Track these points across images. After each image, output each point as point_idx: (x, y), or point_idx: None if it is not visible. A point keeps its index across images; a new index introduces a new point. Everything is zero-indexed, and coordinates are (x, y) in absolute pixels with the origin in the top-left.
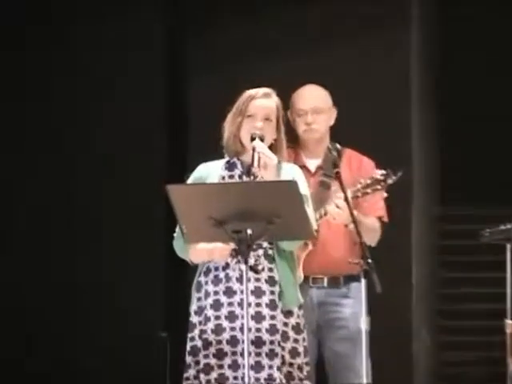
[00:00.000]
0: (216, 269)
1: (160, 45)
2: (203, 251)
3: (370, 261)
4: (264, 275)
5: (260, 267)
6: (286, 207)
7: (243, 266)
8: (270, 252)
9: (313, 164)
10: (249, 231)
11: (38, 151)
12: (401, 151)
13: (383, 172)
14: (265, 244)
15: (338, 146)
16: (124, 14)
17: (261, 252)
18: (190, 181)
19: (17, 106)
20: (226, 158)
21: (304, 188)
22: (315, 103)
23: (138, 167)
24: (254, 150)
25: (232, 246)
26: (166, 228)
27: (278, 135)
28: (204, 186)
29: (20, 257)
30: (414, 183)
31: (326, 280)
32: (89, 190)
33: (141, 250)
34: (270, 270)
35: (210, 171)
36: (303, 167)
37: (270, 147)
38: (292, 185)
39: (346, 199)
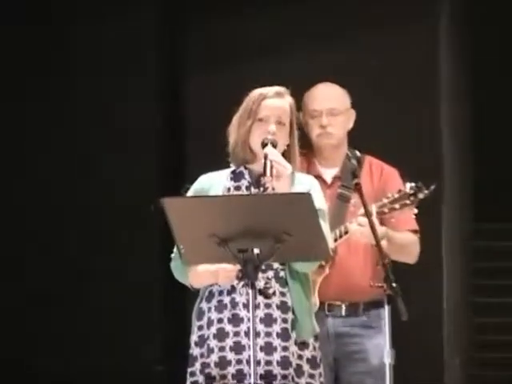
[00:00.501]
0: (220, 293)
1: (155, 46)
2: (205, 273)
3: (394, 285)
4: (275, 300)
5: (271, 291)
6: (299, 223)
7: (251, 290)
8: (282, 274)
9: (329, 174)
10: (256, 250)
11: (28, 151)
12: (429, 162)
13: (413, 185)
14: (276, 265)
15: (358, 153)
16: (121, 14)
17: (271, 274)
18: (190, 193)
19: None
20: (232, 168)
21: (321, 202)
22: (331, 103)
23: (127, 178)
24: (265, 157)
25: (239, 266)
26: (162, 247)
27: (291, 141)
28: (204, 198)
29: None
30: (444, 197)
31: (343, 307)
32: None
33: (135, 271)
34: (282, 294)
35: (212, 182)
36: (318, 177)
37: (282, 155)
38: (306, 198)
39: (367, 214)
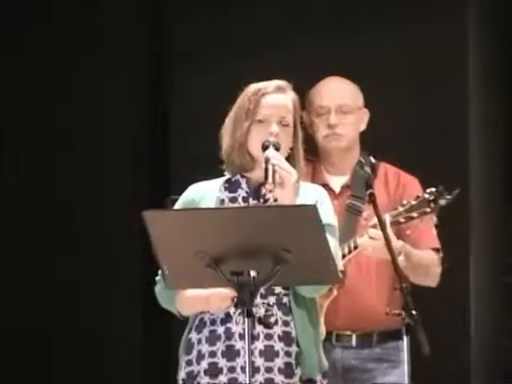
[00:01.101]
0: (213, 322)
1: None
2: (196, 299)
3: (414, 312)
4: (277, 330)
5: (272, 320)
6: (303, 241)
7: (246, 319)
8: (285, 300)
9: (337, 182)
10: (253, 273)
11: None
12: (455, 168)
13: (433, 190)
14: (278, 289)
15: (372, 159)
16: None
17: (273, 300)
18: (178, 206)
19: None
20: (226, 176)
21: (330, 216)
22: (341, 100)
23: (101, 188)
24: (267, 161)
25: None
26: (143, 268)
27: (295, 143)
28: (192, 211)
29: None
30: (471, 206)
31: (354, 337)
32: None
33: (113, 296)
34: (285, 323)
35: (204, 193)
36: (324, 186)
37: (287, 159)
38: (311, 211)
39: (381, 226)
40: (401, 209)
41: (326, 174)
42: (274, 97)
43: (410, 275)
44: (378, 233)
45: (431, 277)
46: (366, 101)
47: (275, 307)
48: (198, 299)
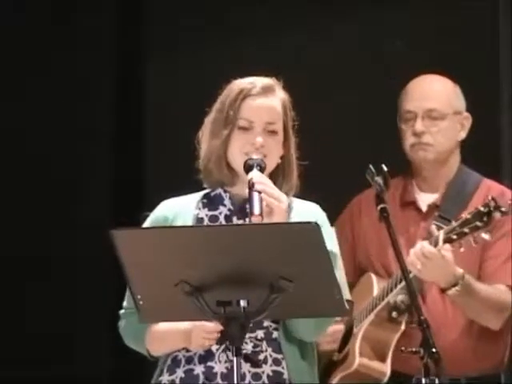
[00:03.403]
0: (189, 361)
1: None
2: (172, 335)
3: (434, 350)
4: (266, 370)
5: (260, 357)
6: (303, 265)
7: (235, 358)
8: (275, 334)
9: (426, 200)
10: (243, 303)
11: None
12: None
13: (491, 201)
14: (266, 322)
15: (385, 167)
16: None
17: (261, 334)
18: (147, 225)
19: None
20: (206, 190)
21: (331, 242)
22: (430, 103)
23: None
24: (251, 187)
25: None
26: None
27: (286, 151)
28: (171, 230)
29: None
30: None
31: None
32: None
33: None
34: (276, 361)
35: (178, 210)
36: (411, 204)
37: (275, 170)
38: (312, 230)
39: (395, 250)
40: (454, 224)
41: (416, 190)
42: (259, 101)
43: (467, 312)
44: (429, 249)
45: (496, 319)
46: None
47: (264, 343)
48: (176, 335)
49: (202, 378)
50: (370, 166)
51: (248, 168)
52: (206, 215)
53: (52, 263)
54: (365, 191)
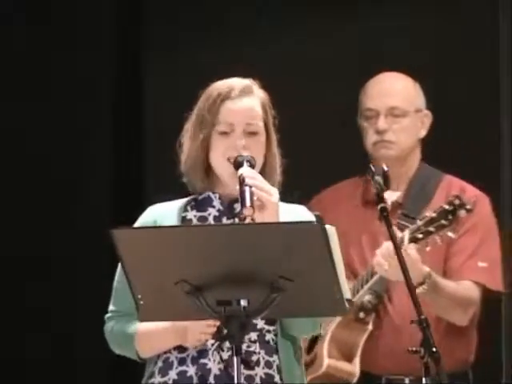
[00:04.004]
0: (181, 362)
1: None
2: (166, 333)
3: (434, 349)
4: (259, 372)
5: (253, 359)
6: (304, 264)
7: (225, 355)
8: (268, 337)
9: (388, 198)
10: (243, 302)
11: None
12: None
13: (455, 199)
14: (260, 324)
15: (385, 167)
16: None
17: (254, 336)
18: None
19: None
20: (193, 196)
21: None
22: (392, 101)
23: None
24: (242, 182)
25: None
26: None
27: (269, 151)
28: (172, 229)
29: None
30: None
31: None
32: None
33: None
34: (268, 364)
35: (165, 213)
36: (371, 204)
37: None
38: (313, 229)
39: (395, 247)
40: (419, 223)
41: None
42: (238, 103)
43: (434, 309)
44: (389, 248)
45: (463, 315)
46: None
47: (257, 345)
48: (169, 332)
49: (195, 379)
50: (371, 166)
51: (238, 165)
52: (195, 216)
53: (52, 263)
54: (328, 188)
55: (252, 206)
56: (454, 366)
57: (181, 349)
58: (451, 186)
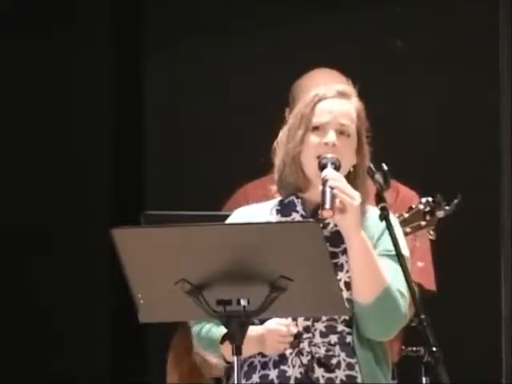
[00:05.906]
0: (264, 366)
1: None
2: (246, 342)
3: (434, 349)
4: (340, 375)
5: (333, 362)
6: (304, 264)
7: (305, 359)
8: (349, 339)
9: None
10: (243, 302)
11: None
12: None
13: (429, 200)
14: (340, 327)
15: (385, 166)
16: None
17: (334, 338)
18: None
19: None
20: (279, 198)
21: (403, 245)
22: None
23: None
24: (324, 183)
25: (293, 329)
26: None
27: (360, 160)
28: (171, 229)
29: None
30: (503, 223)
31: None
32: None
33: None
34: (350, 366)
35: (251, 218)
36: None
37: (348, 177)
38: (313, 228)
39: (396, 250)
40: None
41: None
42: (333, 102)
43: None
44: None
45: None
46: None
47: (337, 347)
48: (249, 341)
49: (276, 382)
50: (370, 165)
51: (322, 166)
52: (279, 221)
53: (52, 263)
54: (246, 185)
55: (332, 208)
56: None
57: (263, 353)
58: (399, 192)
